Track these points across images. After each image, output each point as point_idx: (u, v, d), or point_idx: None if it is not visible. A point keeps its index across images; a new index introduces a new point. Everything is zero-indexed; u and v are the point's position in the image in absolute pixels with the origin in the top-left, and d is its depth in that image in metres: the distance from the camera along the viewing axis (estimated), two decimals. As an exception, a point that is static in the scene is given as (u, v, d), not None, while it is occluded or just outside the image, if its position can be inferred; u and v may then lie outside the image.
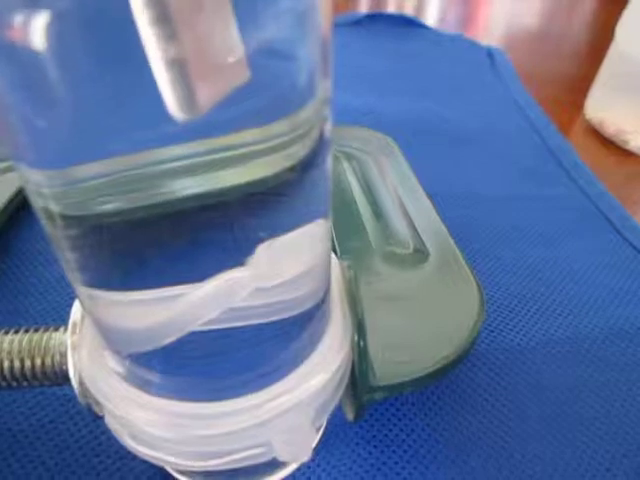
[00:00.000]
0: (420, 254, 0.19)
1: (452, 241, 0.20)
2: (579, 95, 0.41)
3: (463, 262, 0.19)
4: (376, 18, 0.50)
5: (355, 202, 0.22)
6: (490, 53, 0.45)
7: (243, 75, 0.07)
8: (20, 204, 0.24)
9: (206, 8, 0.06)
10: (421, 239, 0.20)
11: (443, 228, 0.20)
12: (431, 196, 0.23)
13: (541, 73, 0.47)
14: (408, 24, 0.50)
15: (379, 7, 0.66)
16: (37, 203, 0.09)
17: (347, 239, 0.20)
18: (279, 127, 0.09)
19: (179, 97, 0.06)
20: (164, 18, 0.06)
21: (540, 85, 0.43)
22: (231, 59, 0.07)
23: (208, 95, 0.07)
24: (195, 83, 0.06)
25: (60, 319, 0.13)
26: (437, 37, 0.49)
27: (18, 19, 0.06)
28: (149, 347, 0.10)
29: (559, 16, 0.66)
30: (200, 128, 0.08)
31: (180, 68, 0.06)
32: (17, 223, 0.24)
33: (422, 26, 0.50)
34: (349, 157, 0.25)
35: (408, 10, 0.66)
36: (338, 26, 0.48)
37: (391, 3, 0.69)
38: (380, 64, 0.43)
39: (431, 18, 0.65)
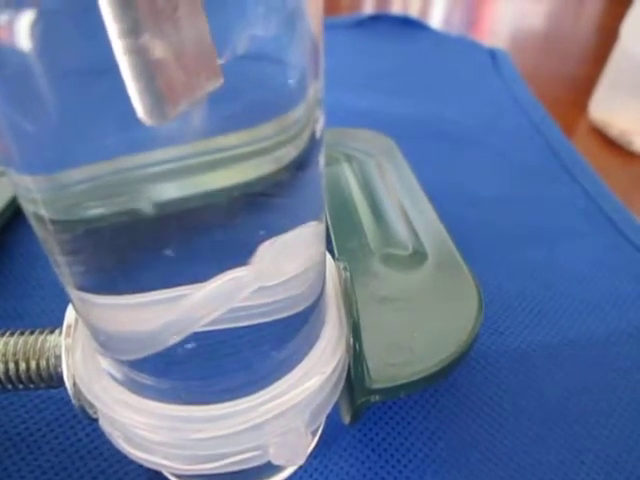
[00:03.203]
0: (419, 256, 0.19)
1: (452, 242, 0.20)
2: (583, 96, 0.41)
3: (462, 264, 0.19)
4: (379, 19, 0.50)
5: (354, 203, 0.22)
6: (493, 54, 0.45)
7: (215, 81, 0.07)
8: (18, 207, 0.24)
9: (177, 14, 0.06)
10: (420, 241, 0.20)
11: (443, 230, 0.20)
12: (432, 197, 0.22)
13: (545, 74, 0.47)
14: (411, 25, 0.49)
15: (384, 8, 0.66)
16: (28, 208, 0.09)
17: (345, 240, 0.20)
18: (268, 129, 0.09)
19: (148, 103, 0.06)
20: (132, 22, 0.06)
21: (544, 86, 0.43)
22: (202, 65, 0.07)
23: (178, 101, 0.07)
24: (164, 89, 0.06)
25: (56, 321, 0.13)
26: (440, 38, 0.49)
27: (3, 19, 0.06)
28: (149, 351, 0.10)
29: (564, 17, 0.66)
30: (187, 131, 0.08)
31: (148, 74, 0.06)
32: (14, 226, 0.24)
33: (425, 27, 0.50)
34: (349, 158, 0.25)
35: (413, 12, 0.66)
36: (342, 27, 0.48)
37: (396, 5, 0.69)
38: (382, 65, 0.43)
39: (436, 20, 0.65)
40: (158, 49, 0.06)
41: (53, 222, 0.08)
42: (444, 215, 0.21)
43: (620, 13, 0.38)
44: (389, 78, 0.41)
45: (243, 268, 0.09)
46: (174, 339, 0.10)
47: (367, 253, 0.19)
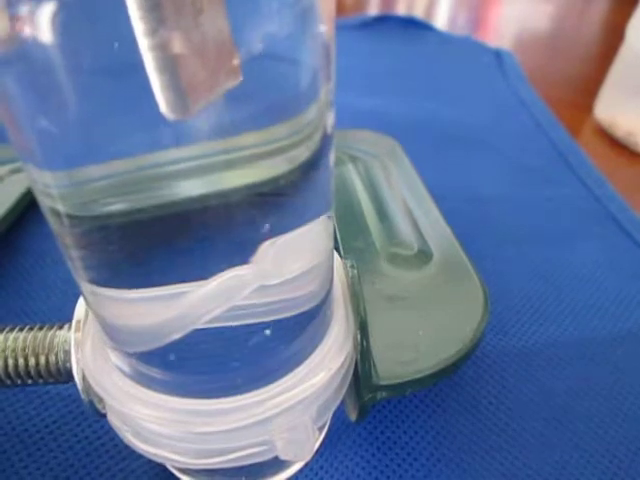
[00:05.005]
0: (424, 255, 0.19)
1: (457, 242, 0.20)
2: (589, 96, 0.41)
3: (467, 263, 0.19)
4: (384, 20, 0.50)
5: (360, 203, 0.22)
6: (498, 54, 0.45)
7: (235, 78, 0.07)
8: (28, 204, 0.24)
9: (200, 12, 0.06)
10: (425, 240, 0.20)
11: (447, 229, 0.20)
12: (437, 197, 0.22)
13: (551, 74, 0.47)
14: (416, 26, 0.49)
15: (388, 9, 0.66)
16: (44, 203, 0.09)
17: (351, 240, 0.20)
18: (281, 130, 0.09)
19: (171, 98, 0.06)
20: (158, 20, 0.06)
21: (550, 86, 0.43)
22: (224, 62, 0.07)
23: (200, 97, 0.07)
24: (187, 85, 0.06)
25: (65, 318, 0.13)
26: (445, 39, 0.49)
27: (24, 10, 0.06)
28: (153, 345, 0.10)
29: (569, 18, 0.66)
30: (202, 131, 0.08)
31: (172, 69, 0.06)
32: (25, 223, 0.24)
33: (430, 28, 0.50)
34: (354, 159, 0.25)
35: (418, 12, 0.66)
36: (347, 28, 0.49)
37: (401, 6, 0.69)
38: (387, 66, 0.43)
39: (441, 20, 0.65)
40: (182, 46, 0.06)
41: (69, 217, 0.09)
42: (449, 215, 0.21)
43: (626, 13, 0.38)
44: (394, 79, 0.42)
45: (244, 266, 0.09)
46: (175, 335, 0.10)
47: (373, 252, 0.19)
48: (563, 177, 0.30)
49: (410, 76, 0.42)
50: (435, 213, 0.21)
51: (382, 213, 0.22)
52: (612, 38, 0.43)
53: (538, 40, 0.58)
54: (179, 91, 0.06)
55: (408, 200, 0.22)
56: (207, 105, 0.07)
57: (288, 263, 0.10)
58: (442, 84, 0.41)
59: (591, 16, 0.67)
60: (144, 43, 0.06)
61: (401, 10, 0.67)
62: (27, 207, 0.24)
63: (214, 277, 0.09)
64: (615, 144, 0.36)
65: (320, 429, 0.16)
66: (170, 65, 0.06)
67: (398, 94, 0.39)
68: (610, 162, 0.34)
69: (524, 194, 0.29)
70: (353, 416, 0.15)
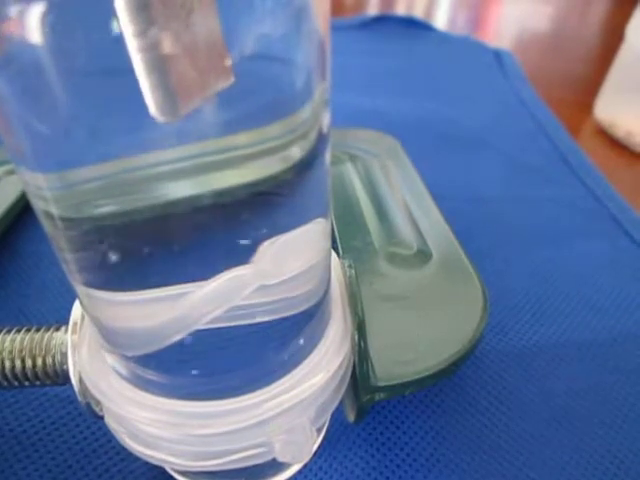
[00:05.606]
0: (423, 255, 0.19)
1: (456, 242, 0.20)
2: (589, 97, 0.40)
3: (467, 263, 0.19)
4: (384, 20, 0.50)
5: (359, 203, 0.22)
6: (498, 55, 0.45)
7: (226, 80, 0.07)
8: (25, 206, 0.24)
9: (190, 12, 0.06)
10: (424, 240, 0.20)
11: (447, 229, 0.20)
12: (436, 197, 0.22)
13: (551, 75, 0.47)
14: (415, 26, 0.49)
15: (388, 9, 0.66)
16: (38, 206, 0.09)
17: (350, 239, 0.20)
18: (276, 129, 0.09)
19: (160, 100, 0.06)
20: (147, 21, 0.06)
21: (550, 87, 0.43)
22: (214, 63, 0.07)
23: (190, 99, 0.07)
24: (177, 86, 0.06)
25: (63, 319, 0.13)
26: (445, 39, 0.49)
27: (13, 10, 0.06)
28: (153, 347, 0.10)
29: (569, 18, 0.66)
30: (196, 131, 0.08)
31: (162, 71, 0.06)
32: (22, 225, 0.24)
33: (429, 28, 0.50)
34: (353, 158, 0.25)
35: (418, 12, 0.66)
36: (347, 28, 0.49)
37: (400, 6, 0.69)
38: (387, 66, 0.43)
39: (441, 20, 0.65)
40: (171, 47, 0.06)
41: (62, 219, 0.09)
42: (449, 215, 0.21)
43: (626, 14, 0.38)
44: (393, 79, 0.42)
45: (244, 267, 0.09)
46: (177, 336, 0.10)
47: (372, 252, 0.19)
48: (563, 177, 0.30)
49: (410, 76, 0.42)
50: (435, 213, 0.21)
51: (381, 212, 0.22)
52: (612, 38, 0.43)
53: (538, 40, 0.58)
54: (168, 93, 0.06)
55: (408, 199, 0.22)
56: (197, 107, 0.07)
57: (288, 263, 0.10)
58: (442, 84, 0.41)
59: (591, 16, 0.67)
60: (133, 44, 0.06)
61: (401, 10, 0.67)
62: (25, 208, 0.24)
63: (214, 277, 0.09)
64: (615, 144, 0.36)
65: (318, 430, 0.16)
66: (159, 66, 0.06)
67: (398, 94, 0.39)
68: (610, 162, 0.34)
69: (524, 194, 0.29)
70: (352, 417, 0.15)
